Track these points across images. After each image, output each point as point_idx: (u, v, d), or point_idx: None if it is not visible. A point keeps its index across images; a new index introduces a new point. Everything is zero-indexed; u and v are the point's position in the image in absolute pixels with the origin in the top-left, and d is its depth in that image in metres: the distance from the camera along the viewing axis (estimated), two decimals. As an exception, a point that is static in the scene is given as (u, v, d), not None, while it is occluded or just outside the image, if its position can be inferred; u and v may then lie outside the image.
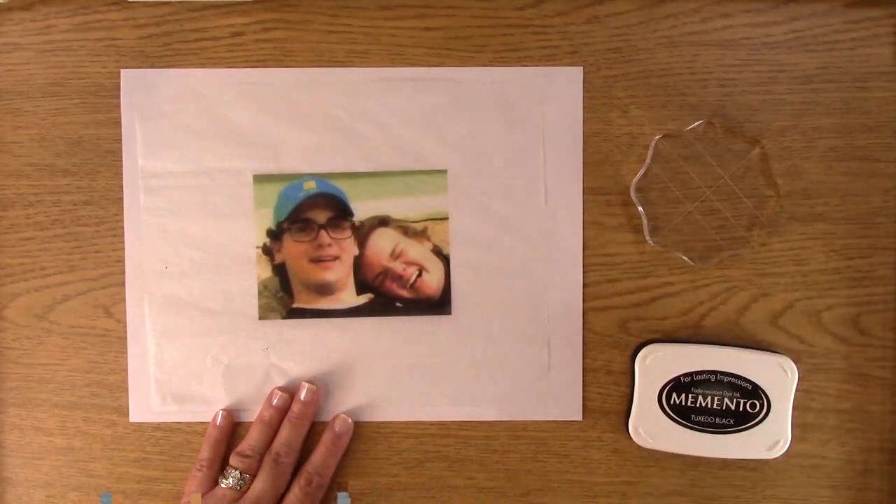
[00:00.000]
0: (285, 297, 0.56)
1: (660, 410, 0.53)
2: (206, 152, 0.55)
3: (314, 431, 0.56)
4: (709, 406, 0.53)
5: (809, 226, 0.55)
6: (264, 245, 0.56)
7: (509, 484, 0.57)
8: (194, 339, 0.56)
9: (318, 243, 0.55)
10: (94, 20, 0.55)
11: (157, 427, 0.56)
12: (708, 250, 0.55)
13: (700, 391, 0.53)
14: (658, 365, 0.53)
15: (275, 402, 0.54)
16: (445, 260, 0.56)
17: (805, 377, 0.55)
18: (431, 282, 0.56)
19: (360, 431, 0.56)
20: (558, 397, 0.56)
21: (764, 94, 0.55)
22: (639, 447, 0.55)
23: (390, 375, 0.56)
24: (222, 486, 0.52)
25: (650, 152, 0.54)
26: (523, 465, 0.56)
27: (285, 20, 0.55)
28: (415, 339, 0.56)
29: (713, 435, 0.53)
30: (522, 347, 0.56)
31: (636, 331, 0.56)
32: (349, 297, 0.56)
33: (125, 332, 0.56)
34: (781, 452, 0.53)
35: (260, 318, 0.56)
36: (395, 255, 0.56)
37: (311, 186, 0.55)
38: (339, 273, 0.56)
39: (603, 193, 0.55)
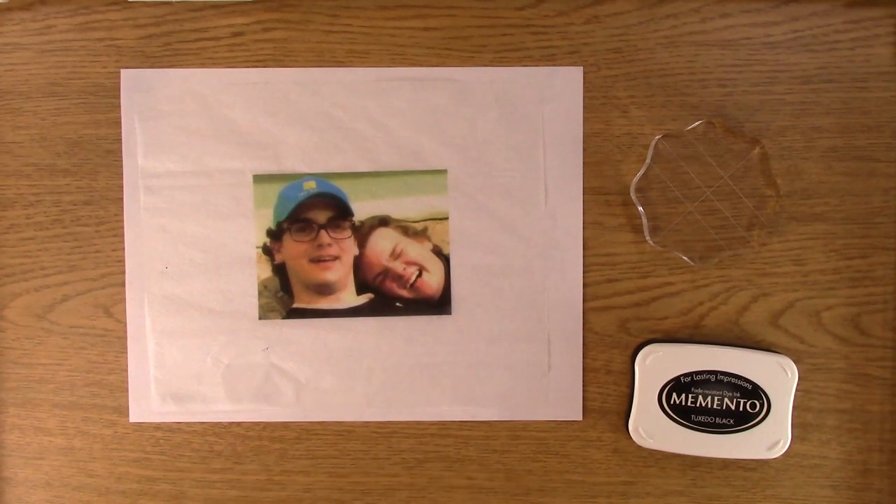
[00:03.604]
0: (285, 297, 0.56)
1: (660, 410, 0.53)
2: (206, 152, 0.55)
3: (314, 431, 0.56)
4: (709, 406, 0.53)
5: (809, 226, 0.55)
6: (264, 245, 0.56)
7: (509, 484, 0.57)
8: (194, 339, 0.56)
9: (318, 243, 0.56)
10: (94, 20, 0.55)
11: (157, 427, 0.56)
12: (708, 250, 0.55)
13: (700, 391, 0.53)
14: (658, 365, 0.53)
15: None
16: (445, 260, 0.56)
17: (805, 377, 0.55)
18: (431, 282, 0.56)
19: (360, 431, 0.56)
20: (558, 397, 0.56)
21: (764, 94, 0.55)
22: (639, 447, 0.55)
23: (390, 375, 0.56)
24: None
25: (650, 152, 0.54)
26: (523, 465, 0.56)
27: (285, 20, 0.55)
28: (415, 339, 0.56)
29: (713, 435, 0.53)
30: (522, 347, 0.56)
31: (636, 331, 0.56)
32: (349, 297, 0.56)
33: (125, 332, 0.56)
34: (781, 452, 0.53)
35: (260, 318, 0.56)
36: (395, 255, 0.56)
37: (311, 186, 0.55)
38: (339, 273, 0.56)
39: (603, 193, 0.55)
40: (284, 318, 0.56)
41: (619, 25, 0.55)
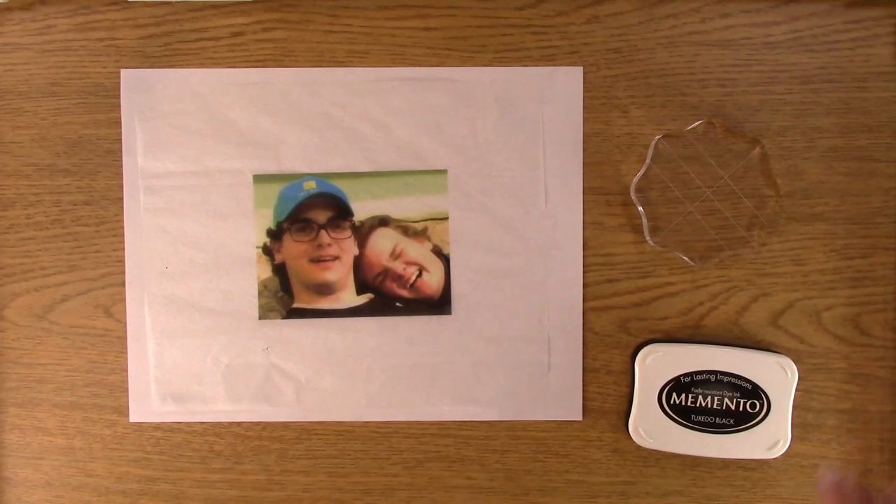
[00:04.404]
0: (285, 297, 0.56)
1: (660, 410, 0.53)
2: (206, 152, 0.55)
3: (314, 431, 0.56)
4: (709, 406, 0.53)
5: (809, 226, 0.55)
6: (264, 245, 0.56)
7: (509, 484, 0.57)
8: (194, 339, 0.56)
9: (318, 243, 0.55)
10: (94, 20, 0.55)
11: (157, 427, 0.56)
12: (708, 250, 0.55)
13: (700, 391, 0.53)
14: (658, 365, 0.53)
15: None
16: (445, 260, 0.56)
17: (805, 377, 0.55)
18: (431, 282, 0.56)
19: (360, 431, 0.56)
20: (558, 397, 0.56)
21: (764, 94, 0.55)
22: (639, 447, 0.55)
23: (390, 375, 0.56)
24: None
25: (650, 152, 0.54)
26: (523, 465, 0.56)
27: (285, 20, 0.55)
28: (415, 339, 0.56)
29: (713, 435, 0.53)
30: (522, 347, 0.56)
31: (636, 331, 0.56)
32: (349, 297, 0.56)
33: (125, 332, 0.56)
34: (781, 452, 0.53)
35: (260, 318, 0.56)
36: (395, 255, 0.56)
37: (310, 186, 0.55)
38: (339, 273, 0.56)
39: (603, 193, 0.55)
40: (284, 318, 0.56)
41: (619, 25, 0.55)
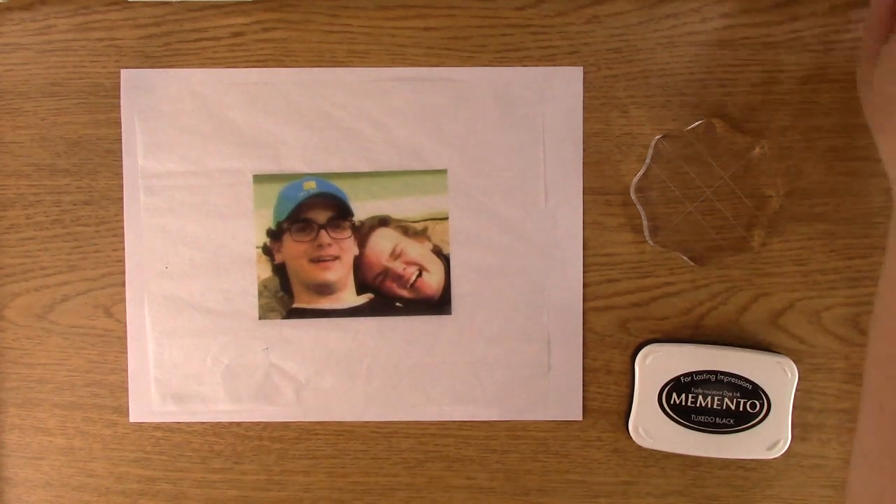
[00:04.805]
0: (285, 297, 0.56)
1: (660, 410, 0.53)
2: (206, 152, 0.55)
3: (314, 431, 0.56)
4: (709, 406, 0.53)
5: (809, 226, 0.55)
6: (264, 245, 0.56)
7: (509, 484, 0.57)
8: (194, 339, 0.56)
9: (318, 243, 0.56)
10: (94, 20, 0.55)
11: (157, 427, 0.56)
12: (708, 250, 0.55)
13: (700, 391, 0.53)
14: (658, 365, 0.53)
15: None
16: (445, 260, 0.56)
17: (805, 377, 0.55)
18: (431, 282, 0.56)
19: (360, 431, 0.56)
20: (558, 397, 0.56)
21: (764, 94, 0.55)
22: (639, 447, 0.55)
23: (390, 375, 0.56)
24: None
25: (650, 152, 0.54)
26: (523, 465, 0.56)
27: (285, 20, 0.55)
28: (415, 339, 0.56)
29: (713, 435, 0.53)
30: (522, 347, 0.56)
31: (636, 331, 0.56)
32: (349, 297, 0.56)
33: (125, 332, 0.56)
34: (781, 452, 0.53)
35: (260, 318, 0.56)
36: (395, 255, 0.56)
37: (310, 186, 0.55)
38: (339, 273, 0.56)
39: (603, 193, 0.55)
40: (284, 318, 0.56)
41: (619, 25, 0.55)
